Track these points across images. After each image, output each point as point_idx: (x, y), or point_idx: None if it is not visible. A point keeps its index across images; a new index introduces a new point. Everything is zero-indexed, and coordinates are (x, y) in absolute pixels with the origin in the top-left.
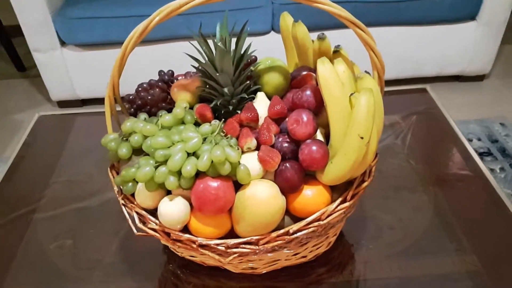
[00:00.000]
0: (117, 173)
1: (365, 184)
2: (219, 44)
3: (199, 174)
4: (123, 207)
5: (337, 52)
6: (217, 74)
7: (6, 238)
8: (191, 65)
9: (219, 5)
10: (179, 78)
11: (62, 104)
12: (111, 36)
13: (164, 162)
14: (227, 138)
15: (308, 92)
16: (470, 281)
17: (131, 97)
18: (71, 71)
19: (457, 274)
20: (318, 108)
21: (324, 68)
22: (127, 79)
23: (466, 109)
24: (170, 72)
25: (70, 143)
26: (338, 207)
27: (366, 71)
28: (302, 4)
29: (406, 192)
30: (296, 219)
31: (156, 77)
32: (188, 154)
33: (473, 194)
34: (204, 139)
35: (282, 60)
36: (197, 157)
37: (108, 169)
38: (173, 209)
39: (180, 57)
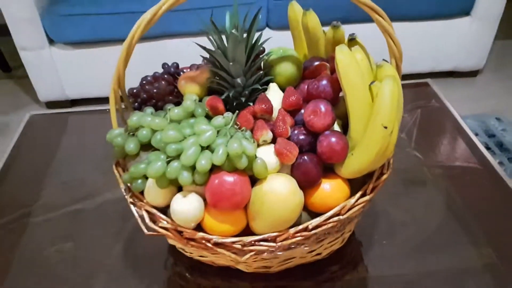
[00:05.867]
0: (123, 171)
1: (385, 176)
2: (233, 31)
3: (213, 169)
4: (131, 206)
5: (352, 40)
6: (230, 63)
7: (1, 244)
8: (201, 55)
9: (211, 1)
10: (185, 70)
11: (51, 105)
12: (100, 33)
13: (176, 157)
14: (241, 131)
15: (325, 82)
16: (488, 273)
17: (135, 90)
18: (60, 70)
19: (474, 267)
20: (335, 98)
21: (343, 55)
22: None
23: (462, 104)
24: (175, 64)
25: (64, 143)
26: (358, 201)
27: (384, 60)
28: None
29: (416, 186)
30: (313, 215)
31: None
32: (202, 148)
33: (483, 187)
34: (218, 132)
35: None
36: (211, 151)
37: (113, 166)
38: (188, 206)
39: (174, 54)
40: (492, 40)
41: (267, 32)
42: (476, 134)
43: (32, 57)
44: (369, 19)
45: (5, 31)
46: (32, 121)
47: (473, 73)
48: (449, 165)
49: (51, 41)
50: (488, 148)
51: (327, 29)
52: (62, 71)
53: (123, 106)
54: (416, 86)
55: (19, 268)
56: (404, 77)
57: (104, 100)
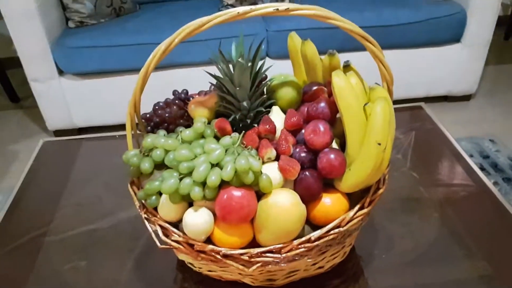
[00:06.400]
0: (138, 189)
1: (381, 191)
2: (239, 60)
3: (221, 185)
4: (145, 221)
5: (347, 66)
6: (236, 89)
7: (17, 262)
8: (209, 82)
9: (215, 33)
10: (194, 96)
11: (59, 133)
12: (109, 64)
13: (188, 174)
14: (247, 149)
15: (323, 104)
16: (483, 285)
17: (148, 115)
18: (69, 100)
19: (470, 279)
20: (332, 119)
21: (339, 79)
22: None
23: (456, 127)
24: (185, 91)
25: (76, 168)
26: (357, 214)
27: (376, 83)
28: (301, 31)
29: (413, 203)
30: (315, 228)
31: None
32: (212, 165)
33: (479, 205)
34: (226, 151)
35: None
36: (221, 168)
37: (129, 185)
38: (199, 219)
39: (180, 84)
40: (483, 65)
41: (267, 61)
42: (471, 156)
43: (42, 87)
44: (361, 48)
45: (13, 63)
46: (45, 147)
47: (466, 97)
48: (445, 184)
49: (60, 72)
50: (483, 169)
51: (323, 57)
52: (71, 100)
53: (138, 132)
54: (410, 109)
55: (35, 285)
56: (400, 102)
57: (111, 128)
